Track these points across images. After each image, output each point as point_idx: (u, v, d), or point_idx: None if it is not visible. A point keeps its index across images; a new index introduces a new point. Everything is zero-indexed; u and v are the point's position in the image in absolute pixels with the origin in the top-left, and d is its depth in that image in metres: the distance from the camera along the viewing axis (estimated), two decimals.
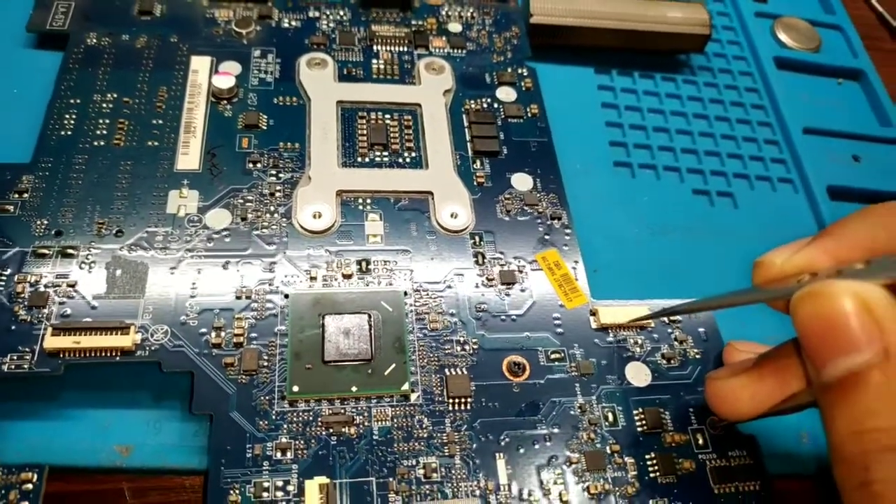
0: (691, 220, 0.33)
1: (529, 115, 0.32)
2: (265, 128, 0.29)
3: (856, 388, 0.17)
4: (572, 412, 0.25)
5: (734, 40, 0.41)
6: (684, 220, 0.33)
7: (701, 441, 0.25)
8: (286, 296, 0.25)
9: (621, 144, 0.35)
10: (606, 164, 0.34)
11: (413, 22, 0.35)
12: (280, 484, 0.22)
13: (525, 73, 0.34)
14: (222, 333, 0.24)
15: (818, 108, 0.39)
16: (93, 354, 0.23)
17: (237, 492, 0.22)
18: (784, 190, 0.36)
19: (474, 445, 0.23)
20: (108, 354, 0.23)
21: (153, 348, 0.23)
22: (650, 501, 0.24)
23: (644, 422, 0.25)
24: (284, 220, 0.27)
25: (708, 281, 0.31)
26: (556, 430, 0.24)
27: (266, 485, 0.22)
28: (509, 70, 0.34)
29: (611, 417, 0.25)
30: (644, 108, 0.37)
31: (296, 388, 0.23)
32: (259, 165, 0.28)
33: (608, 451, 0.24)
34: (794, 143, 0.37)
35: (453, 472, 0.23)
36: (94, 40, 0.31)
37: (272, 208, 0.27)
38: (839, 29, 0.44)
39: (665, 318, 0.27)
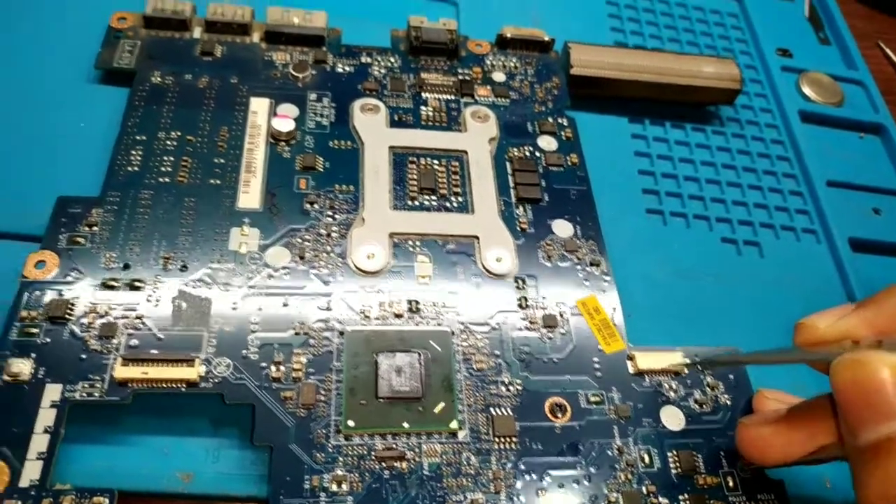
0: (720, 268, 0.34)
1: (569, 163, 0.33)
2: (322, 170, 0.31)
3: (889, 454, 0.18)
4: (610, 453, 0.25)
5: (761, 93, 0.43)
6: (713, 267, 0.34)
7: (731, 484, 0.26)
8: (342, 333, 0.26)
9: (654, 192, 0.36)
10: (639, 211, 0.35)
11: (459, 70, 0.36)
12: None
13: (565, 123, 0.35)
14: (282, 368, 0.25)
15: (841, 162, 0.40)
16: (160, 385, 0.24)
17: None
18: (807, 240, 0.37)
19: (519, 483, 0.24)
20: (174, 385, 0.24)
21: (216, 380, 0.24)
22: None
23: (678, 464, 0.26)
24: (340, 259, 0.28)
25: (736, 327, 0.32)
26: (594, 471, 0.25)
27: None
28: (550, 120, 0.35)
29: (647, 459, 0.26)
30: (675, 157, 0.38)
31: (351, 423, 0.24)
32: (316, 206, 0.29)
33: (644, 492, 0.25)
34: (818, 194, 0.38)
35: None
36: (159, 79, 0.32)
37: (328, 248, 0.28)
38: (861, 84, 0.45)
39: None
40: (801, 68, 0.44)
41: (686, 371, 0.28)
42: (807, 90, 0.43)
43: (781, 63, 0.44)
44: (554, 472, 0.25)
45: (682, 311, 0.32)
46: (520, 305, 0.28)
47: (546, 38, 0.37)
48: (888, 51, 0.49)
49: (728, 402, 0.28)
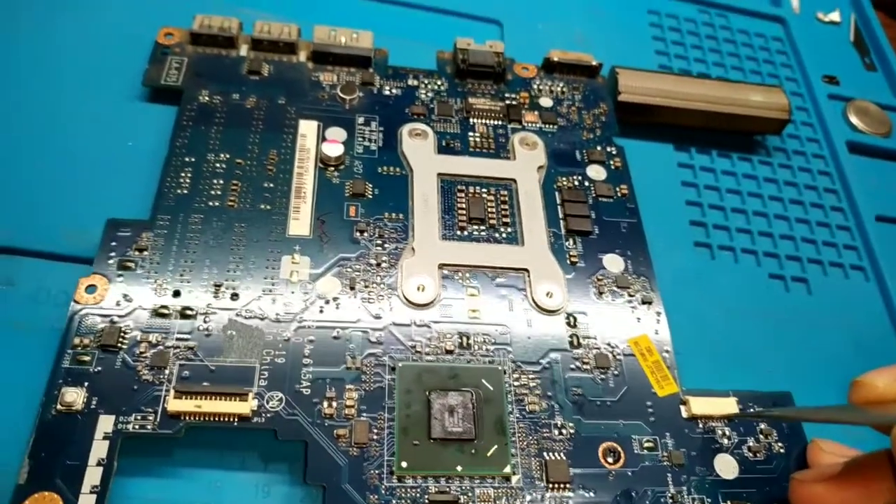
0: (768, 305, 0.34)
1: (619, 195, 0.33)
2: (371, 197, 0.30)
3: None
4: (664, 501, 0.25)
5: (807, 121, 0.42)
6: (761, 304, 0.34)
7: None
8: (393, 369, 0.26)
9: (701, 224, 0.36)
10: (688, 244, 0.35)
11: (506, 94, 0.35)
12: None
13: (614, 152, 0.34)
14: (334, 404, 0.25)
15: (889, 195, 0.40)
16: (212, 419, 0.24)
17: None
18: (856, 277, 0.36)
19: None
20: (227, 420, 0.24)
21: (269, 415, 0.24)
22: None
23: None
24: (390, 290, 0.28)
25: (785, 367, 0.32)
26: None
27: None
28: (598, 148, 0.34)
29: None
30: (722, 188, 0.37)
31: (404, 464, 0.24)
32: (366, 234, 0.29)
33: None
34: (867, 230, 0.38)
35: None
36: (206, 98, 0.32)
37: (378, 278, 0.28)
38: None
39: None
40: (849, 96, 0.44)
41: (740, 419, 0.28)
42: (854, 119, 0.43)
43: (828, 91, 0.44)
44: None
45: (731, 349, 0.32)
46: (571, 344, 0.28)
47: (594, 63, 0.37)
48: None
49: (782, 451, 0.27)
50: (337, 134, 0.32)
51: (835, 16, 0.49)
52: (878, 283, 0.36)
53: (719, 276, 0.34)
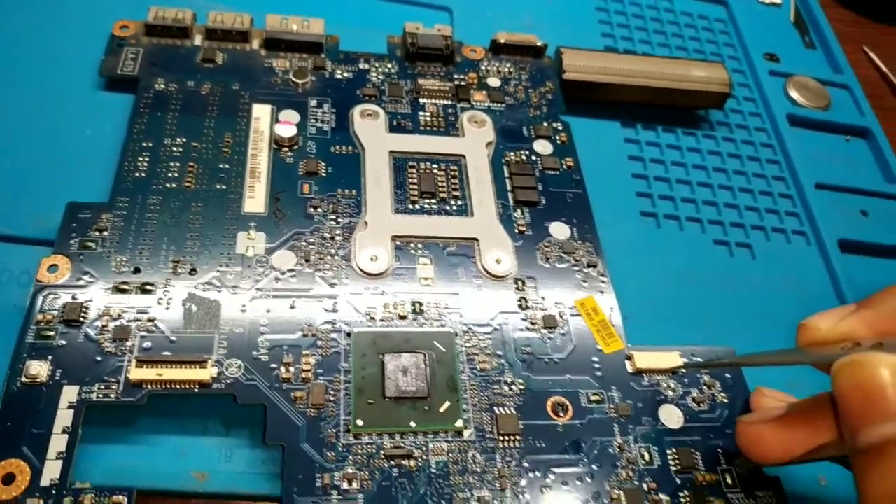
0: (713, 269, 0.35)
1: (565, 167, 0.34)
2: (324, 174, 0.32)
3: (889, 455, 0.19)
4: (612, 451, 0.27)
5: (749, 97, 0.44)
6: (706, 269, 0.35)
7: (730, 481, 0.27)
8: (348, 335, 0.27)
9: (647, 195, 0.37)
10: (634, 215, 0.36)
11: (455, 76, 0.37)
12: None
13: (560, 128, 0.36)
14: (291, 369, 0.26)
15: (828, 164, 0.42)
16: (173, 386, 0.25)
17: None
18: (798, 242, 0.38)
19: (523, 481, 0.25)
20: (188, 386, 0.25)
21: (228, 381, 0.25)
22: None
23: (677, 462, 0.27)
24: (344, 262, 0.29)
25: (729, 327, 0.33)
26: (596, 468, 0.26)
27: None
28: (545, 124, 0.36)
29: (647, 457, 0.27)
30: (667, 160, 0.39)
31: (360, 422, 0.25)
32: (320, 210, 0.30)
33: (645, 489, 0.26)
34: (807, 197, 0.39)
35: None
36: (162, 86, 0.33)
37: (332, 251, 0.29)
38: (847, 88, 0.47)
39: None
40: (789, 73, 0.46)
41: (684, 370, 0.29)
42: (794, 94, 0.45)
43: (769, 67, 0.46)
44: (557, 470, 0.26)
45: (678, 312, 0.33)
46: (520, 306, 0.29)
47: (539, 44, 0.39)
48: (873, 56, 0.51)
49: (725, 401, 0.29)
50: (290, 116, 0.33)
51: None
52: (818, 247, 0.38)
53: (665, 243, 0.36)
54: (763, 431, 0.24)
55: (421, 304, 0.29)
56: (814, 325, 0.24)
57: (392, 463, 0.25)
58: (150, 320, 0.26)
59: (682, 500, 0.26)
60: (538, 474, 0.26)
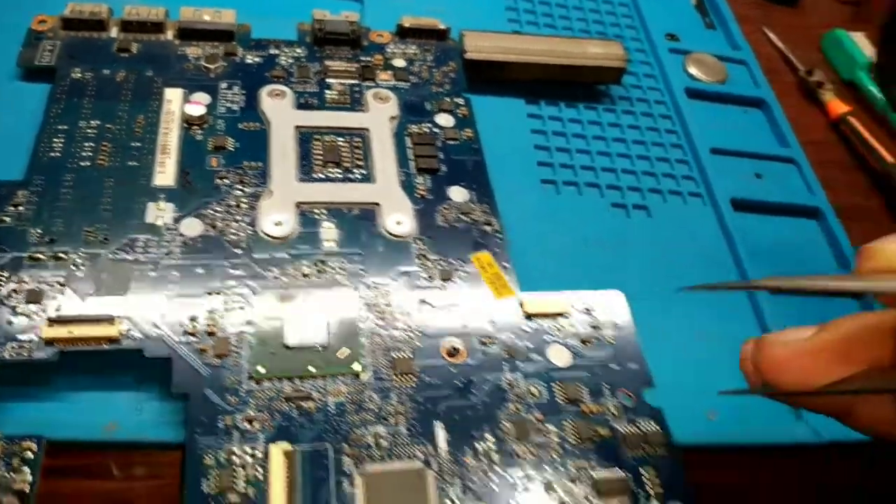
0: (610, 230, 0.38)
1: (465, 138, 0.36)
2: (232, 149, 0.33)
3: None
4: (502, 387, 0.28)
5: (650, 73, 0.46)
6: (604, 230, 0.37)
7: (614, 412, 0.29)
8: (254, 292, 0.29)
9: (548, 165, 0.39)
10: (535, 183, 0.38)
11: (362, 58, 0.39)
12: (248, 450, 0.25)
13: (461, 103, 0.38)
14: (197, 324, 0.28)
15: (724, 132, 0.44)
16: (84, 343, 0.26)
17: (211, 457, 0.25)
18: (693, 203, 0.40)
19: (417, 416, 0.27)
20: (98, 343, 0.27)
21: (137, 337, 0.27)
22: (569, 462, 0.27)
23: (564, 395, 0.29)
24: (250, 228, 0.31)
25: (626, 282, 0.35)
26: (487, 401, 0.28)
27: (236, 451, 0.25)
28: (447, 100, 0.38)
29: (535, 392, 0.29)
30: (569, 133, 0.41)
31: (261, 369, 0.27)
32: (227, 181, 0.32)
33: (533, 420, 0.28)
34: (703, 162, 0.42)
35: (399, 439, 0.27)
36: (79, 74, 0.35)
37: (238, 218, 0.31)
38: (744, 63, 0.49)
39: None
40: (688, 50, 0.48)
41: (573, 313, 0.31)
42: (692, 70, 0.47)
43: (669, 46, 0.48)
44: (449, 403, 0.28)
45: (574, 268, 0.35)
46: (419, 262, 0.31)
47: (442, 27, 0.41)
48: (771, 34, 0.53)
49: (612, 342, 0.31)
50: (201, 97, 0.35)
51: None
52: (712, 206, 0.40)
53: (564, 208, 0.38)
54: (790, 353, 0.20)
55: (324, 263, 0.30)
56: (880, 250, 0.20)
57: (292, 405, 0.26)
58: (62, 285, 0.28)
59: (568, 428, 0.28)
60: (430, 409, 0.27)
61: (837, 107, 0.48)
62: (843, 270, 0.40)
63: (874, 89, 0.50)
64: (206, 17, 0.37)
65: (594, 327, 0.31)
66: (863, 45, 0.52)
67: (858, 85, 0.51)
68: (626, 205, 0.39)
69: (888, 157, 0.45)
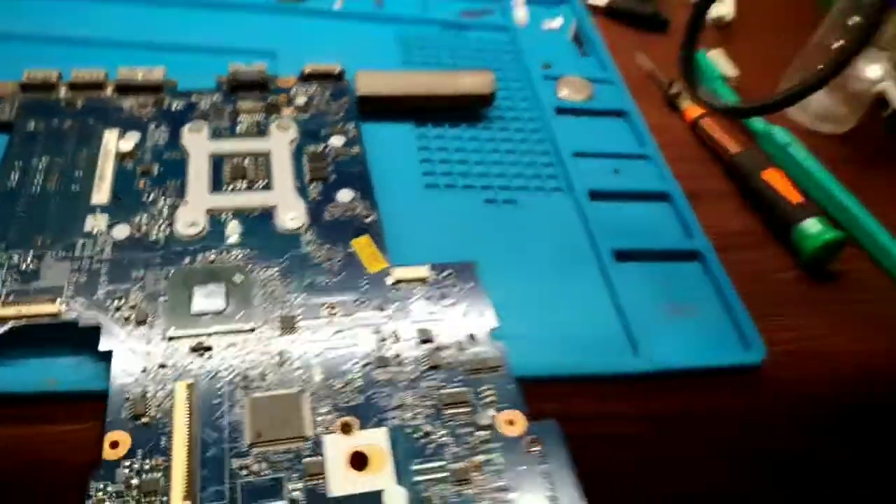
0: (482, 222, 0.45)
1: (353, 154, 0.44)
2: (156, 174, 0.41)
3: None
4: (371, 335, 0.35)
5: (525, 97, 0.54)
6: (477, 222, 0.44)
7: (463, 346, 0.35)
8: (166, 277, 0.36)
9: (431, 173, 0.47)
10: (419, 188, 0.45)
11: (269, 98, 0.47)
12: (159, 387, 0.32)
13: (352, 128, 0.45)
14: (123, 300, 0.35)
15: (588, 139, 0.52)
16: (30, 318, 0.33)
17: (129, 393, 0.31)
18: (555, 196, 0.47)
19: (298, 358, 0.34)
20: (42, 317, 0.34)
21: (74, 313, 0.34)
22: (422, 383, 0.34)
23: (421, 335, 0.35)
24: (168, 229, 0.38)
25: (492, 260, 0.41)
26: (356, 345, 0.35)
27: (150, 388, 0.32)
28: (340, 125, 0.46)
29: (398, 335, 0.35)
30: (450, 147, 0.48)
31: (173, 330, 0.34)
32: (150, 197, 0.39)
33: (395, 354, 0.34)
34: (566, 163, 0.49)
35: (285, 376, 0.33)
36: (33, 126, 0.43)
37: (160, 223, 0.38)
38: (611, 82, 0.57)
39: None
40: (560, 75, 0.56)
41: (434, 279, 0.38)
42: (563, 90, 0.55)
43: (544, 73, 0.56)
44: (326, 346, 0.34)
45: (447, 252, 0.42)
46: (307, 248, 0.38)
47: (338, 70, 0.49)
48: (642, 57, 0.62)
49: (465, 298, 0.37)
50: (132, 136, 0.43)
51: (556, 23, 0.62)
52: (572, 198, 0.47)
53: (443, 205, 0.45)
54: None
55: (228, 251, 0.37)
56: None
57: (196, 353, 0.33)
58: (15, 280, 0.35)
59: (423, 359, 0.34)
60: (309, 352, 0.34)
61: (693, 111, 0.56)
62: (689, 241, 0.46)
63: (723, 95, 0.58)
64: (139, 75, 0.45)
65: (451, 286, 0.38)
66: (715, 61, 0.60)
67: (712, 93, 0.58)
68: (497, 199, 0.46)
69: (733, 149, 0.52)
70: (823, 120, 0.60)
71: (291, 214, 0.39)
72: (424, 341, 0.35)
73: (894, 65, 0.60)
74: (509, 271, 0.40)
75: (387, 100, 0.48)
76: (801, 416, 0.41)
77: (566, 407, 0.36)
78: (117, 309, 0.34)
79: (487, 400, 0.33)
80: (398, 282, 0.37)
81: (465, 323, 0.35)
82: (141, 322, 0.34)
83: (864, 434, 0.40)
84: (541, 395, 0.34)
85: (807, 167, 0.52)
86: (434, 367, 0.34)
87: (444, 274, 0.38)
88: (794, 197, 0.48)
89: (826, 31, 0.57)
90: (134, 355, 0.32)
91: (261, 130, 0.44)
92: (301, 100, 0.47)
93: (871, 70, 0.58)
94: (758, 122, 0.56)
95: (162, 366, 0.32)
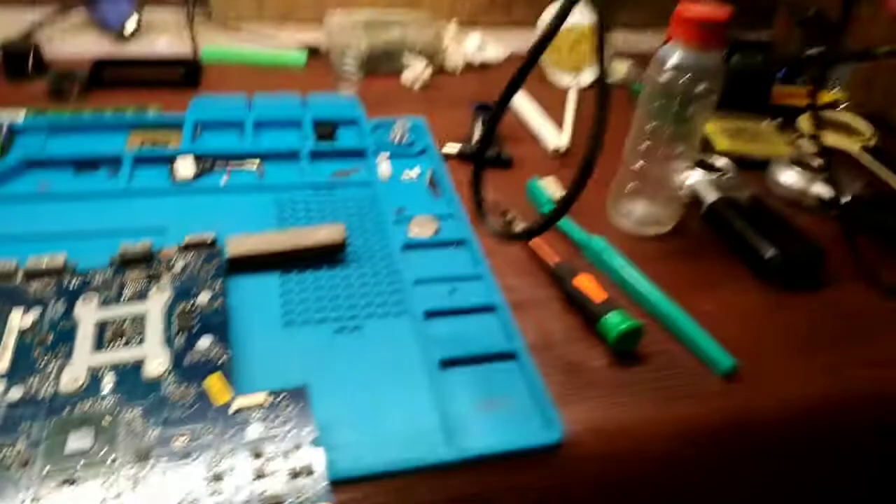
0: (332, 350, 0.53)
1: (216, 306, 0.53)
2: (50, 342, 0.50)
3: None
4: (215, 465, 0.43)
5: (379, 239, 0.63)
6: (326, 351, 0.53)
7: (284, 456, 0.43)
8: (50, 423, 0.44)
9: (291, 311, 0.55)
10: (278, 326, 0.54)
11: (153, 268, 0.56)
12: None
13: (218, 285, 0.55)
14: (10, 450, 0.43)
15: (430, 267, 0.60)
16: None
17: None
18: (396, 319, 0.56)
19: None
20: None
21: None
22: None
23: (254, 451, 0.43)
24: (55, 386, 0.46)
25: (340, 389, 0.49)
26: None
27: None
28: (209, 283, 0.55)
29: (229, 467, 0.43)
30: (310, 288, 0.57)
31: (50, 469, 0.42)
32: (45, 359, 0.48)
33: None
34: (407, 290, 0.58)
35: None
36: None
37: (48, 383, 0.47)
38: (455, 217, 0.67)
39: None
40: (412, 216, 0.66)
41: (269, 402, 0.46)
42: (413, 229, 0.64)
43: (396, 217, 0.66)
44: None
45: (297, 380, 0.50)
46: (169, 390, 0.47)
47: (211, 239, 0.58)
48: (487, 189, 0.71)
49: (292, 416, 0.45)
50: (35, 312, 0.52)
51: (415, 172, 0.73)
52: (410, 317, 0.56)
53: (296, 341, 0.53)
54: None
55: (102, 399, 0.46)
56: None
57: (67, 484, 0.41)
58: None
59: (252, 476, 0.42)
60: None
61: (538, 246, 0.65)
62: (507, 343, 0.55)
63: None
64: (44, 262, 0.55)
65: (284, 408, 0.46)
66: (546, 187, 0.70)
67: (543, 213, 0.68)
68: (346, 328, 0.54)
69: (553, 261, 0.61)
70: (646, 224, 0.69)
71: (157, 363, 0.47)
72: (256, 455, 0.42)
73: (699, 164, 0.70)
74: (348, 389, 0.48)
75: (252, 258, 0.57)
76: (605, 485, 0.48)
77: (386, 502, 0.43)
78: (4, 457, 0.42)
79: (303, 499, 0.40)
80: (239, 409, 0.45)
81: (292, 437, 0.43)
82: (23, 465, 0.41)
83: (668, 500, 0.47)
84: (362, 492, 0.41)
85: (618, 268, 0.61)
86: (260, 477, 0.41)
87: (280, 398, 0.46)
88: (599, 296, 0.57)
89: (631, 143, 0.68)
90: (16, 489, 0.40)
91: (142, 296, 0.53)
92: (179, 266, 0.56)
93: (687, 174, 0.67)
94: (580, 234, 0.65)
95: (35, 500, 0.40)
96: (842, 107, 0.97)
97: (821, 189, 0.74)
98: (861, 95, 0.98)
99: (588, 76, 0.98)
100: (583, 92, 0.95)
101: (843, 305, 0.63)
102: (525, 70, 0.46)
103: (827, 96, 0.98)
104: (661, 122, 0.63)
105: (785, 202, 0.77)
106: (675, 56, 0.61)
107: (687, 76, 0.60)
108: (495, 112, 0.50)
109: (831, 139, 0.88)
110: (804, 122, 0.91)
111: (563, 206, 0.46)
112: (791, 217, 0.71)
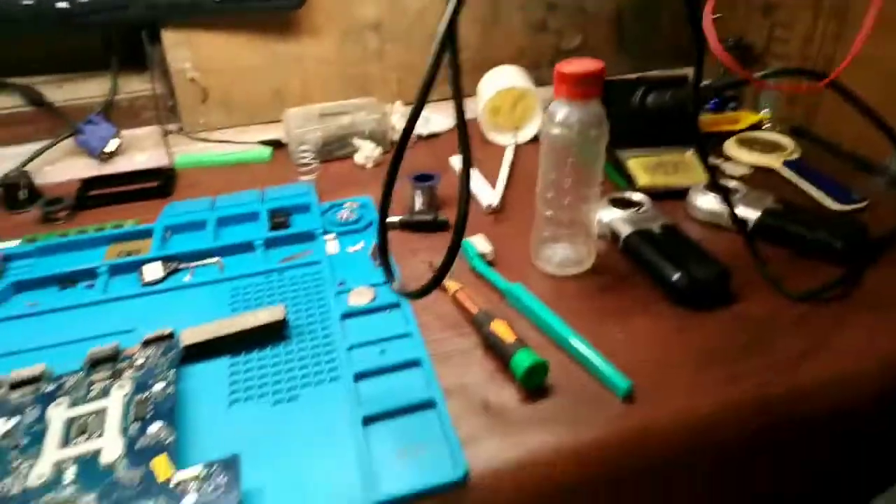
0: (269, 421, 0.58)
1: (168, 394, 0.59)
2: (23, 445, 0.56)
3: None
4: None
5: (321, 312, 0.69)
6: (263, 423, 0.58)
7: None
8: None
9: (238, 390, 0.61)
10: (225, 404, 0.60)
11: (118, 366, 0.62)
12: None
13: (172, 374, 0.60)
14: None
15: (365, 332, 0.66)
16: None
17: None
18: (329, 385, 0.61)
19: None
20: None
21: None
22: None
23: None
24: (24, 483, 0.53)
25: (273, 456, 0.55)
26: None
27: None
28: (164, 373, 0.61)
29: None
30: (255, 366, 0.63)
31: None
32: (18, 462, 0.54)
33: None
34: (341, 356, 0.63)
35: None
36: None
37: (18, 481, 0.53)
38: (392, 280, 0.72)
39: None
40: (351, 287, 0.71)
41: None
42: (352, 299, 0.70)
43: (338, 290, 0.72)
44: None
45: (235, 450, 0.55)
46: (121, 474, 0.52)
47: (168, 332, 0.65)
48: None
49: (222, 485, 0.51)
50: (14, 420, 0.58)
51: (359, 246, 0.78)
52: (342, 384, 0.61)
53: (238, 416, 0.59)
54: None
55: (63, 490, 0.51)
56: None
57: None
58: None
59: None
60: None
61: (451, 287, 0.70)
62: (427, 393, 0.59)
63: (478, 268, 0.72)
64: (25, 373, 0.62)
65: (217, 477, 0.51)
66: (475, 243, 0.75)
67: (477, 273, 0.73)
68: (283, 399, 0.59)
69: (473, 311, 0.66)
70: (567, 266, 0.73)
71: (112, 451, 0.53)
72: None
73: (614, 202, 0.74)
74: (279, 456, 0.52)
75: (203, 345, 0.63)
76: None
77: None
78: None
79: None
80: (178, 483, 0.50)
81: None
82: None
83: None
84: None
85: (536, 310, 0.65)
86: None
87: (213, 469, 0.51)
88: (510, 337, 0.61)
89: (540, 192, 0.72)
90: None
91: (105, 392, 0.59)
92: (140, 361, 0.62)
93: (600, 213, 0.71)
94: (502, 283, 0.69)
95: None
96: (766, 126, 1.00)
97: (738, 209, 0.77)
98: (785, 111, 1.02)
99: (528, 133, 1.03)
100: (520, 148, 1.00)
101: (751, 317, 0.66)
102: (414, 117, 0.50)
103: (754, 117, 1.02)
104: (560, 172, 0.67)
105: (704, 225, 0.80)
106: (561, 111, 0.66)
107: (575, 127, 0.65)
108: (389, 174, 0.55)
109: (754, 157, 0.92)
110: (730, 146, 0.94)
111: (443, 270, 0.51)
112: (707, 239, 0.74)
